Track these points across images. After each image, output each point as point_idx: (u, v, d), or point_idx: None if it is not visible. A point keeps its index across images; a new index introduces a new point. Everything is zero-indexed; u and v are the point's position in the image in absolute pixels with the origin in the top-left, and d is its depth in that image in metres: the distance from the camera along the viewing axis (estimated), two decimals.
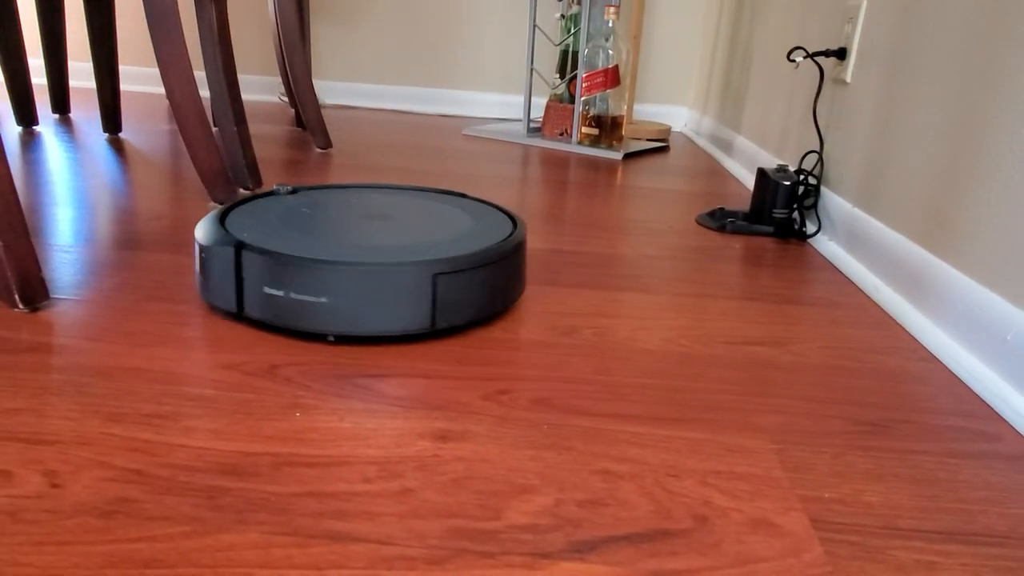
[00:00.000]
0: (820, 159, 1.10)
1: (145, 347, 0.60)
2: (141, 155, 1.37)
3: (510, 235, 0.73)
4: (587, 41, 1.71)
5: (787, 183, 1.06)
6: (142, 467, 0.44)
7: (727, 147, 1.73)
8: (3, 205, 0.63)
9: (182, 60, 0.95)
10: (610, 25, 1.67)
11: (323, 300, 0.62)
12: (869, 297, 0.83)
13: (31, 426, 0.47)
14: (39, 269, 0.65)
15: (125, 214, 0.97)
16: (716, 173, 1.59)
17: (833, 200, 1.03)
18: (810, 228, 1.08)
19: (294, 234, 0.69)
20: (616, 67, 1.68)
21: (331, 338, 0.64)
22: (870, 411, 0.57)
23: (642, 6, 2.02)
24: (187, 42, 0.98)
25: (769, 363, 0.65)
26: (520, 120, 2.29)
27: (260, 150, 1.50)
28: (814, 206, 1.08)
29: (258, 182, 1.14)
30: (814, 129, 1.13)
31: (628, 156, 1.71)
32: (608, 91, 1.70)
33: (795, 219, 1.07)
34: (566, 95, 1.83)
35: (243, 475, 0.44)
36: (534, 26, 1.79)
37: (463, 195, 0.89)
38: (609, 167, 1.58)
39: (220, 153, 1.00)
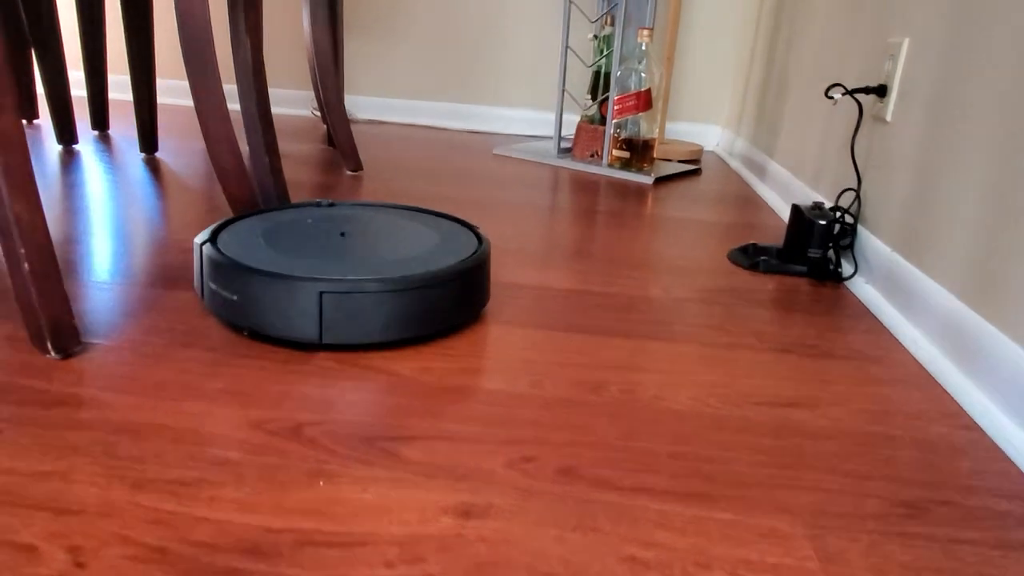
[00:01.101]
0: (857, 197, 1.07)
1: (173, 400, 0.60)
2: (176, 178, 1.39)
3: (441, 268, 0.75)
4: (620, 63, 1.69)
5: (823, 222, 1.03)
6: (165, 543, 0.44)
7: (760, 171, 1.70)
8: (38, 253, 0.63)
9: (216, 96, 0.96)
10: (643, 48, 1.66)
11: (235, 298, 0.72)
12: (908, 352, 0.81)
13: (58, 493, 0.48)
14: (72, 316, 0.66)
15: (158, 245, 0.98)
16: (749, 200, 1.56)
17: (871, 241, 1.00)
18: (846, 269, 1.05)
19: (259, 241, 0.80)
20: (648, 90, 1.66)
21: (245, 332, 0.74)
22: (909, 489, 0.55)
23: (676, 26, 1.99)
24: (220, 60, 0.99)
25: (803, 429, 0.63)
26: (551, 138, 2.28)
27: (292, 172, 1.51)
28: (850, 246, 1.06)
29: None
30: (851, 164, 1.10)
31: (659, 180, 1.69)
32: (640, 114, 1.68)
33: (830, 259, 1.05)
34: (597, 116, 1.82)
35: (264, 555, 0.43)
36: (566, 47, 1.78)
37: (471, 227, 0.91)
38: (639, 192, 1.57)
39: (252, 187, 1.01)
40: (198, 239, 0.78)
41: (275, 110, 2.44)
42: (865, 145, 1.09)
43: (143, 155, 1.57)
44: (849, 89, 1.04)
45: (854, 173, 1.10)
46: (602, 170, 1.74)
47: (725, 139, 2.19)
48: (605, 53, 1.78)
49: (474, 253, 0.81)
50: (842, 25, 1.28)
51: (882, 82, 1.03)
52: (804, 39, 1.52)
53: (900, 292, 0.88)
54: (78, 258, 0.92)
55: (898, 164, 0.96)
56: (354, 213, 0.94)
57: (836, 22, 1.32)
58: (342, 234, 0.85)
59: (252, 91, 1.08)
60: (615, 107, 1.69)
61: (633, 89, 1.67)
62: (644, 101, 1.67)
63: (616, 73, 1.69)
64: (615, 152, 1.74)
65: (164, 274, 0.88)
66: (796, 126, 1.49)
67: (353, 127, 2.26)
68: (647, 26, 1.67)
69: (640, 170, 1.72)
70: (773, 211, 1.46)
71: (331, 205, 0.96)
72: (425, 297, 0.73)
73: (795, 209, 1.09)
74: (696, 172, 1.84)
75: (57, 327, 0.65)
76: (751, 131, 1.90)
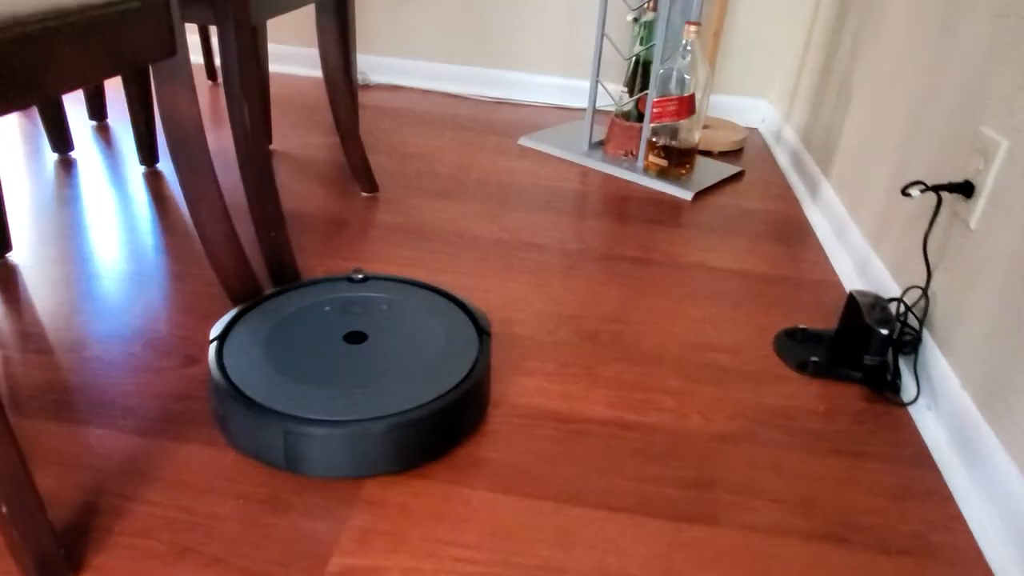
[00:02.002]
0: (925, 296, 0.96)
1: None
2: (178, 210, 1.29)
3: (421, 403, 0.75)
4: (662, 59, 1.52)
5: (884, 331, 0.93)
6: None
7: (812, 187, 1.56)
8: (15, 493, 0.57)
9: (211, 194, 0.86)
10: (688, 48, 1.48)
11: (220, 411, 0.77)
12: (977, 543, 0.73)
13: None
14: (57, 547, 0.61)
15: (155, 352, 0.91)
16: (797, 232, 1.43)
17: (937, 361, 0.90)
18: (905, 382, 0.95)
19: (259, 346, 0.82)
20: (692, 96, 1.50)
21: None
22: None
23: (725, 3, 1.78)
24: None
25: None
26: (582, 111, 2.12)
27: (301, 192, 1.40)
28: (914, 351, 0.96)
29: (296, 278, 1.06)
30: (921, 255, 0.98)
31: (699, 194, 1.55)
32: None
33: (888, 365, 0.95)
34: (634, 112, 1.66)
35: None
36: (602, 35, 1.60)
37: (483, 332, 0.88)
38: (675, 213, 1.44)
39: (255, 282, 0.92)
40: (213, 333, 0.83)
41: (280, 69, 2.28)
42: (940, 239, 0.96)
43: (143, 168, 1.46)
44: (930, 186, 0.91)
45: (923, 267, 0.98)
46: (637, 176, 1.60)
47: (772, 118, 2.01)
48: (646, 46, 1.60)
49: (465, 378, 0.80)
50: (920, 74, 1.11)
51: (967, 178, 0.90)
52: (872, 59, 1.34)
53: (968, 450, 0.80)
54: (69, 381, 0.85)
55: (980, 282, 0.85)
56: (371, 299, 0.92)
57: (914, 69, 1.15)
58: (346, 336, 0.85)
59: (252, 158, 0.97)
60: (654, 110, 1.54)
61: (675, 92, 1.51)
62: (686, 107, 1.51)
63: (658, 71, 1.52)
64: (651, 158, 1.60)
65: (165, 408, 0.82)
66: (857, 155, 1.34)
67: (366, 95, 2.10)
68: (694, 20, 1.48)
69: (678, 179, 1.58)
70: (826, 256, 1.33)
71: (363, 280, 0.95)
72: (397, 438, 0.74)
73: (852, 302, 0.99)
74: (739, 176, 1.69)
75: (44, 563, 0.59)
76: (803, 123, 1.73)
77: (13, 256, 1.11)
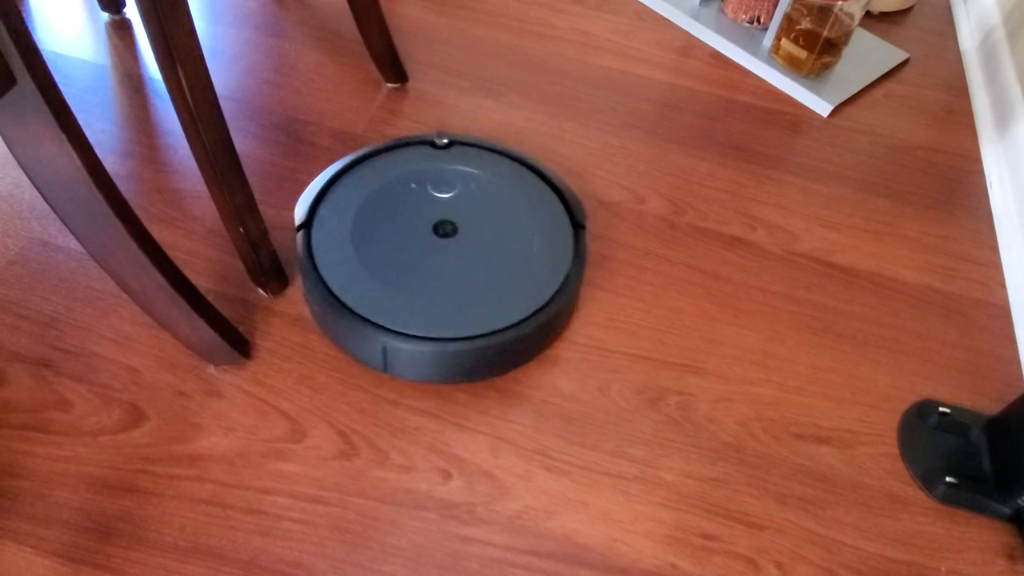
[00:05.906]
0: None
1: None
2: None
3: (511, 323, 0.73)
4: None
5: None
6: None
7: (1002, 111, 1.12)
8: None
9: (127, 248, 0.59)
10: None
11: (315, 309, 0.77)
12: None
13: None
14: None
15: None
16: (964, 195, 1.06)
17: None
18: None
19: (347, 235, 0.78)
20: None
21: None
22: None
23: None
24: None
25: None
26: None
27: (297, 81, 1.07)
28: None
29: (283, 283, 0.81)
30: None
31: (841, 105, 1.15)
32: (843, 2, 1.07)
33: None
34: None
35: None
36: None
37: (578, 225, 0.84)
38: (799, 137, 1.08)
39: (210, 332, 0.69)
40: (298, 214, 0.80)
41: None
42: None
43: (107, 17, 1.13)
44: None
45: None
46: (758, 64, 1.19)
47: None
48: None
49: (552, 300, 0.76)
50: None
51: None
52: None
53: None
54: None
55: None
56: (460, 175, 0.86)
57: None
58: (435, 229, 0.80)
59: (199, 133, 0.68)
60: None
61: None
62: None
63: None
64: (784, 43, 1.16)
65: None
66: None
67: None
68: None
69: (813, 75, 1.16)
70: (998, 252, 0.98)
71: (447, 145, 0.89)
72: (491, 350, 0.72)
73: (1017, 420, 0.71)
74: (902, 66, 1.24)
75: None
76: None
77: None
